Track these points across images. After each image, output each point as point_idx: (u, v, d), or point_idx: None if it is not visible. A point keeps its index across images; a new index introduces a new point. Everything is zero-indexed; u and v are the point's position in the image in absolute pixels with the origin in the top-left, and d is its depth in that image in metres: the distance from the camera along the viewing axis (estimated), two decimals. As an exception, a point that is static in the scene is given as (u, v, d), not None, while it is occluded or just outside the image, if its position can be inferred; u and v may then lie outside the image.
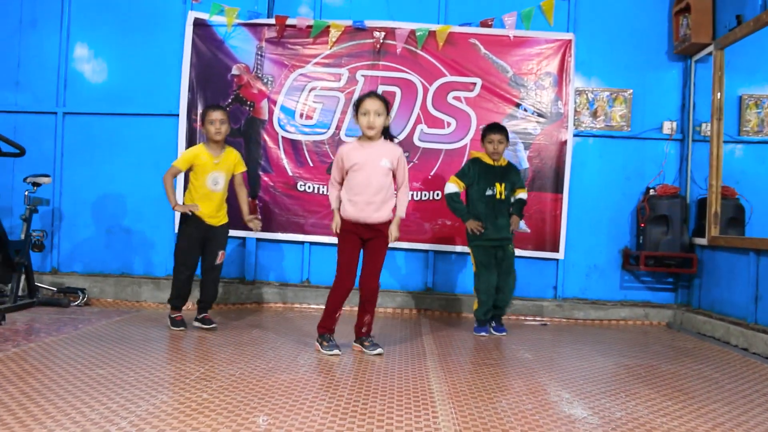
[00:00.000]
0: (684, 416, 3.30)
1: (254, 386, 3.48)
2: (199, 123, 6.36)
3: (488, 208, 5.48)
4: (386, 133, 4.58)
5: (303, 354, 4.39)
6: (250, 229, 5.45)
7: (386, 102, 4.49)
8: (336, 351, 4.42)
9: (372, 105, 4.39)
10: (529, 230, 6.43)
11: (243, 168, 5.33)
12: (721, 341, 5.54)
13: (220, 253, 5.22)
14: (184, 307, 5.29)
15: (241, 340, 4.81)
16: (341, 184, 4.55)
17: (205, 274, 5.27)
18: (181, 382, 3.53)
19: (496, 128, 5.52)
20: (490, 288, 5.44)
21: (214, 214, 5.17)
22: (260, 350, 4.47)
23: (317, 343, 4.53)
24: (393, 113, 6.38)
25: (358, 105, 4.46)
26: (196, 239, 5.16)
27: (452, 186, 5.51)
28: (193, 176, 5.17)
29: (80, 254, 6.70)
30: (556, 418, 3.16)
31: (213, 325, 5.19)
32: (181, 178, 6.12)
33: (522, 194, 5.66)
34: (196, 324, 5.23)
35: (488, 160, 5.52)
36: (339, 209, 4.56)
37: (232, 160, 5.24)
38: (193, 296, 5.39)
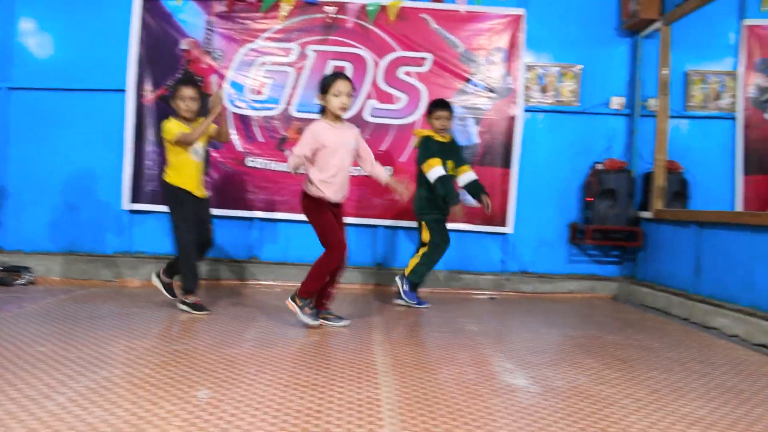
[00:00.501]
0: (622, 384, 3.38)
1: (197, 361, 3.48)
2: (146, 97, 6.27)
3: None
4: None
5: (250, 329, 4.39)
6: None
7: (353, 85, 4.54)
8: (318, 322, 4.50)
9: (346, 87, 4.41)
10: (478, 204, 6.46)
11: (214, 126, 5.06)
12: (663, 312, 5.68)
13: (210, 226, 5.14)
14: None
15: (189, 317, 4.79)
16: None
17: (199, 252, 5.08)
18: (123, 358, 3.52)
19: (444, 105, 5.56)
20: (441, 252, 5.58)
21: (199, 186, 5.03)
22: (206, 326, 4.46)
23: (297, 307, 4.48)
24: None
25: (328, 85, 4.42)
26: (194, 216, 4.97)
27: (438, 169, 5.41)
28: (174, 150, 4.93)
29: (26, 232, 6.56)
30: (497, 387, 3.22)
31: (206, 311, 5.00)
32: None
33: (471, 173, 5.72)
34: (183, 307, 5.01)
35: (438, 137, 5.54)
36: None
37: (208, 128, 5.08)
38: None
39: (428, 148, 5.49)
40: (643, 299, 6.06)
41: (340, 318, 4.62)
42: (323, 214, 4.51)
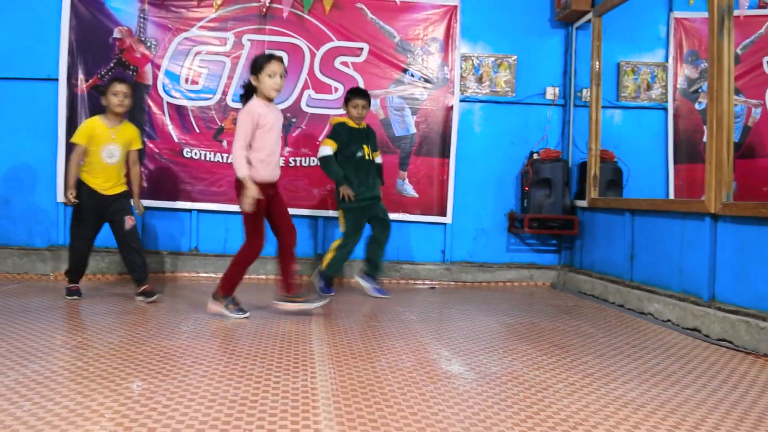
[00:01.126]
0: (557, 369, 3.44)
1: (132, 353, 3.43)
2: (80, 87, 6.15)
3: (360, 169, 5.58)
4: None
5: (186, 321, 4.34)
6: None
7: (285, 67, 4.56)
8: (247, 314, 4.50)
9: (279, 68, 4.42)
10: (417, 195, 6.52)
11: (139, 145, 5.26)
12: (600, 299, 5.79)
13: (127, 218, 5.06)
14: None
15: (124, 309, 4.72)
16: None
17: (122, 245, 5.10)
18: (56, 351, 3.44)
19: (360, 93, 5.63)
20: (350, 245, 5.64)
21: (109, 186, 5.05)
22: (142, 318, 4.40)
23: (221, 307, 4.51)
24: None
25: (261, 66, 4.41)
26: (91, 211, 5.01)
27: (327, 148, 5.51)
28: (90, 149, 5.00)
29: (-46, 225, 6.40)
30: (432, 374, 3.24)
31: (156, 296, 5.04)
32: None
33: (378, 158, 5.79)
34: (139, 299, 5.03)
35: (353, 124, 5.61)
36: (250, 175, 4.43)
37: (129, 134, 5.14)
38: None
39: (333, 132, 5.60)
40: (581, 287, 6.17)
41: (316, 299, 4.70)
42: (259, 204, 4.46)
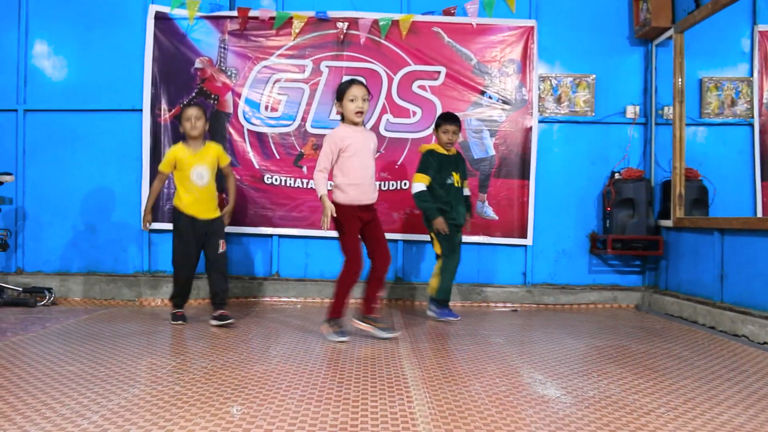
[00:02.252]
0: (656, 393, 3.34)
1: (227, 377, 3.46)
2: (162, 117, 6.31)
3: (453, 197, 5.54)
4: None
5: (275, 345, 4.37)
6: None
7: (368, 89, 4.63)
8: (345, 338, 4.51)
9: (360, 91, 4.51)
10: (497, 217, 6.46)
11: (227, 159, 5.38)
12: (689, 321, 5.62)
13: (220, 242, 5.19)
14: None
15: (213, 334, 4.78)
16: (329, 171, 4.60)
17: (210, 267, 5.22)
18: (153, 375, 3.50)
19: (451, 118, 5.56)
20: (454, 263, 5.58)
21: (204, 209, 5.17)
22: (232, 343, 4.45)
23: (328, 327, 4.57)
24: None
25: (343, 92, 4.53)
26: (192, 237, 5.16)
27: (419, 185, 5.44)
28: (177, 175, 5.16)
29: (46, 253, 6.61)
30: (530, 398, 3.19)
31: (230, 321, 5.08)
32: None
33: (467, 190, 5.74)
34: (213, 323, 5.11)
35: (442, 150, 5.55)
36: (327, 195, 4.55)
37: (214, 153, 5.25)
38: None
39: (423, 163, 5.53)
40: (668, 308, 6.01)
41: (387, 329, 4.65)
42: (348, 227, 4.57)
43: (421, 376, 3.59)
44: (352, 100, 4.48)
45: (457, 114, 6.05)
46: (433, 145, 5.60)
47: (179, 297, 5.30)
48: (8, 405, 2.92)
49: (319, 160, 4.54)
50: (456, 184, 5.56)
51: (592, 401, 3.15)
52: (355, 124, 4.57)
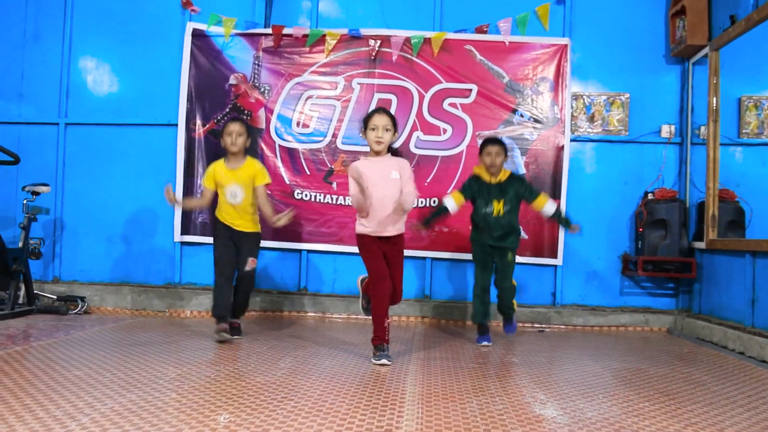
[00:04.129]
0: (657, 416, 3.26)
1: (226, 387, 3.49)
2: (197, 132, 6.43)
3: (486, 224, 5.39)
4: (391, 149, 4.63)
5: (286, 358, 4.39)
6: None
7: (394, 119, 4.53)
8: (384, 360, 4.36)
9: (380, 120, 4.45)
10: (527, 236, 6.37)
11: (265, 179, 5.22)
12: (719, 346, 5.47)
13: (249, 260, 5.13)
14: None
15: (226, 345, 4.84)
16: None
17: (238, 282, 5.19)
18: (154, 383, 3.55)
19: (493, 140, 5.41)
20: (478, 285, 5.47)
21: (239, 223, 5.17)
22: (244, 354, 4.50)
23: (373, 352, 4.46)
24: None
25: (365, 121, 4.53)
26: (227, 245, 5.16)
27: (448, 199, 5.38)
28: (218, 189, 5.20)
29: (81, 263, 6.78)
30: (524, 418, 3.13)
31: (236, 337, 5.13)
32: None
33: (548, 206, 5.37)
34: (221, 333, 5.10)
35: (486, 176, 5.38)
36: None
37: (252, 171, 5.17)
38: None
39: (464, 183, 5.50)
40: (699, 333, 5.86)
41: (382, 357, 4.42)
42: (368, 251, 4.54)
43: (420, 392, 3.56)
44: (373, 129, 4.45)
45: (487, 132, 6.09)
46: (481, 169, 5.44)
47: (216, 307, 5.07)
48: (5, 405, 3.00)
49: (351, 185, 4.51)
50: (495, 213, 5.35)
51: (587, 423, 3.08)
52: (377, 153, 4.53)
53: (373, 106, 6.22)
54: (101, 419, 2.83)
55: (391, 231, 4.53)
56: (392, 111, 6.30)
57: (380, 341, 4.45)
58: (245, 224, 5.19)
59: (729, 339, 5.36)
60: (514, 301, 5.56)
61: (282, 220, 5.03)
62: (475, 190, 5.43)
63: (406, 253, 6.23)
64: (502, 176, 5.41)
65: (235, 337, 5.13)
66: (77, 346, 4.55)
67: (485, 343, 5.34)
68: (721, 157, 5.98)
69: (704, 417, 3.29)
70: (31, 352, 4.28)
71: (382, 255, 4.55)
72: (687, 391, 3.86)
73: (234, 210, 5.15)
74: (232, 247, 5.15)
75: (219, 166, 5.20)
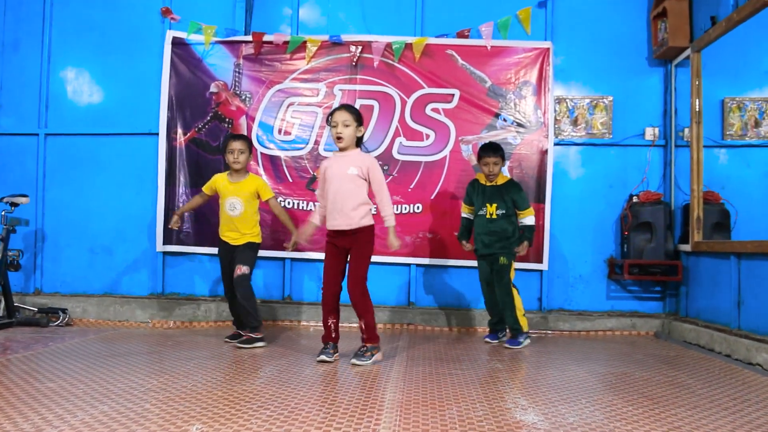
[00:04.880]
0: (641, 420, 3.21)
1: (202, 397, 3.43)
2: (178, 140, 6.38)
3: (479, 227, 5.60)
4: (358, 145, 4.69)
5: (266, 366, 4.33)
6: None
7: (356, 113, 4.60)
8: (322, 357, 4.53)
9: (339, 116, 4.54)
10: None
11: (268, 194, 5.39)
12: (706, 349, 5.42)
13: (237, 266, 5.16)
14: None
15: (207, 355, 4.77)
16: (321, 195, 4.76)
17: (234, 292, 5.24)
18: (128, 393, 3.48)
19: (490, 150, 5.55)
20: (484, 297, 5.73)
21: (233, 236, 5.29)
22: (224, 364, 4.43)
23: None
24: (370, 126, 6.39)
25: (329, 118, 4.62)
26: (226, 262, 5.32)
27: (464, 213, 5.78)
28: (219, 201, 5.34)
29: (63, 274, 6.70)
30: (503, 424, 3.08)
31: (252, 345, 5.13)
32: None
33: (526, 218, 5.55)
34: (235, 341, 5.29)
35: (483, 181, 5.61)
36: (312, 220, 4.84)
37: (253, 187, 5.31)
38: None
39: (466, 193, 5.77)
40: (686, 336, 5.82)
41: (360, 355, 4.54)
42: (325, 249, 4.72)
43: (400, 399, 3.51)
44: (333, 126, 4.55)
45: (470, 137, 6.11)
46: (478, 175, 5.71)
47: (233, 317, 5.51)
48: (-28, 419, 2.93)
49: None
50: (488, 216, 5.52)
51: (568, 428, 3.03)
52: (341, 149, 4.62)
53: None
54: (69, 431, 2.76)
55: (344, 225, 4.57)
56: (374, 117, 6.36)
57: (325, 340, 4.63)
58: (240, 237, 5.28)
59: (715, 342, 5.31)
60: (519, 316, 5.53)
61: (303, 237, 5.10)
62: (471, 194, 5.65)
63: (390, 260, 6.30)
64: (500, 180, 5.60)
65: (245, 346, 5.11)
66: (55, 358, 4.48)
67: (488, 339, 5.73)
68: (705, 159, 5.97)
69: (688, 420, 3.24)
70: (6, 365, 4.20)
71: (338, 253, 4.65)
72: (672, 395, 3.81)
73: (231, 222, 5.26)
74: (227, 265, 5.31)
75: (221, 178, 5.36)
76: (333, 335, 4.62)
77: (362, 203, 4.56)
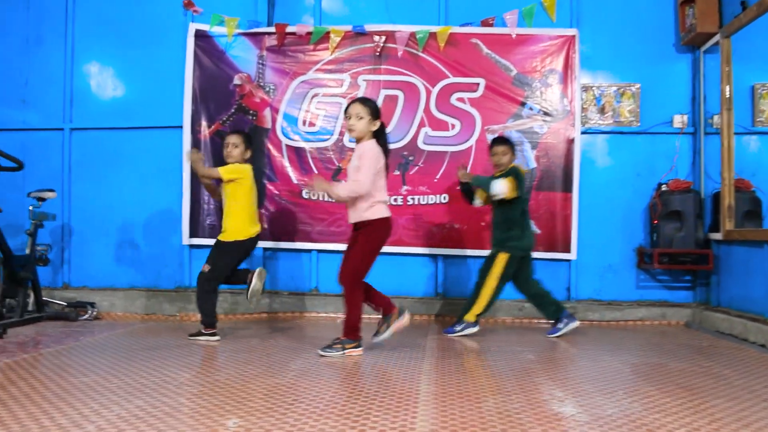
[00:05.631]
0: (680, 412, 3.15)
1: (236, 391, 3.41)
2: (202, 133, 6.40)
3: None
4: (377, 137, 4.59)
5: (297, 359, 4.31)
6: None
7: (370, 106, 4.54)
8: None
9: (352, 109, 4.52)
10: (539, 231, 6.27)
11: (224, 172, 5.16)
12: (739, 338, 5.36)
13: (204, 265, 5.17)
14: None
15: (237, 348, 4.77)
16: None
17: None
18: (162, 387, 3.47)
19: (498, 140, 5.55)
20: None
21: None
22: (254, 357, 4.42)
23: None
24: (395, 116, 6.37)
25: (345, 110, 4.64)
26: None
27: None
28: None
29: (90, 268, 6.73)
30: (542, 416, 3.04)
31: (201, 338, 5.14)
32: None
33: (499, 180, 5.34)
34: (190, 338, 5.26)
35: (495, 173, 5.55)
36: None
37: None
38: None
39: None
40: (718, 326, 5.75)
41: (328, 347, 4.56)
42: None
43: (435, 391, 3.47)
44: (347, 118, 4.55)
45: (496, 126, 6.12)
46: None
47: None
48: (10, 413, 2.92)
49: None
50: (494, 207, 5.56)
51: (608, 420, 2.99)
52: (356, 140, 4.62)
53: (379, 103, 6.15)
54: (107, 426, 2.75)
55: (351, 217, 4.63)
56: (399, 107, 6.32)
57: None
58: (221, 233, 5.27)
59: (750, 331, 5.25)
60: (479, 304, 5.45)
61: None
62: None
63: (417, 251, 6.29)
64: (504, 171, 5.48)
65: (202, 338, 5.12)
66: (86, 352, 4.49)
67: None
68: (735, 146, 5.88)
69: (729, 413, 3.18)
70: (40, 360, 4.21)
71: (352, 243, 4.70)
72: (709, 386, 3.75)
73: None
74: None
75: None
76: (378, 308, 4.72)
77: (366, 198, 4.50)
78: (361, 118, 4.47)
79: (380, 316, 4.70)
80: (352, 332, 4.56)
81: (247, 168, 5.22)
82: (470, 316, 5.45)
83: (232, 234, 5.17)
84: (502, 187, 5.27)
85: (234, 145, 5.18)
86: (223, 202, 5.24)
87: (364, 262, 4.55)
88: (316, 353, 4.50)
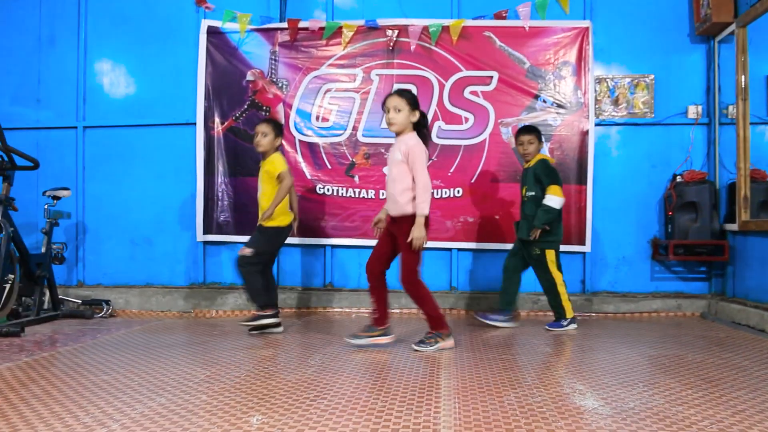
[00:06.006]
0: (703, 404, 3.14)
1: (257, 387, 3.42)
2: (215, 130, 6.40)
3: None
4: (418, 127, 4.52)
5: (315, 355, 4.31)
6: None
7: (408, 97, 4.45)
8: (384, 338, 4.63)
9: (390, 102, 4.45)
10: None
11: (276, 168, 5.16)
12: (756, 329, 5.33)
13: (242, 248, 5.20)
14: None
15: (255, 344, 4.77)
16: None
17: None
18: (183, 385, 3.48)
19: (524, 129, 5.51)
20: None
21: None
22: (272, 353, 4.43)
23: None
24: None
25: (383, 104, 4.54)
26: None
27: None
28: None
29: (105, 266, 6.75)
30: (564, 410, 3.03)
31: (253, 323, 5.20)
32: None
33: (547, 198, 5.25)
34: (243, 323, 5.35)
35: (525, 165, 5.56)
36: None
37: (267, 166, 5.23)
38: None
39: None
40: (734, 317, 5.73)
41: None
42: None
43: (455, 386, 3.47)
44: (386, 112, 4.47)
45: (510, 119, 6.09)
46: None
47: None
48: (34, 412, 2.94)
49: None
50: (523, 198, 5.51)
51: (630, 413, 2.98)
52: (396, 134, 4.53)
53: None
54: (132, 425, 2.76)
55: (391, 211, 4.55)
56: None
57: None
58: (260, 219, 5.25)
59: (766, 322, 5.22)
60: (563, 299, 5.41)
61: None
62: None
63: (431, 244, 6.23)
64: (533, 161, 5.46)
65: (255, 323, 5.19)
66: (104, 350, 4.50)
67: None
68: (750, 136, 5.84)
69: (751, 404, 3.17)
70: (58, 358, 4.23)
71: (386, 235, 4.64)
72: (730, 378, 3.74)
73: (258, 203, 5.32)
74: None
75: None
76: (375, 315, 4.62)
77: (406, 188, 4.40)
78: (399, 110, 4.39)
79: (371, 320, 4.67)
80: (438, 324, 4.53)
81: (283, 158, 5.30)
82: (568, 310, 5.43)
83: (276, 220, 5.21)
84: (557, 200, 5.27)
85: (263, 134, 5.19)
86: (260, 189, 5.25)
87: (414, 257, 4.48)
88: (345, 343, 4.60)
